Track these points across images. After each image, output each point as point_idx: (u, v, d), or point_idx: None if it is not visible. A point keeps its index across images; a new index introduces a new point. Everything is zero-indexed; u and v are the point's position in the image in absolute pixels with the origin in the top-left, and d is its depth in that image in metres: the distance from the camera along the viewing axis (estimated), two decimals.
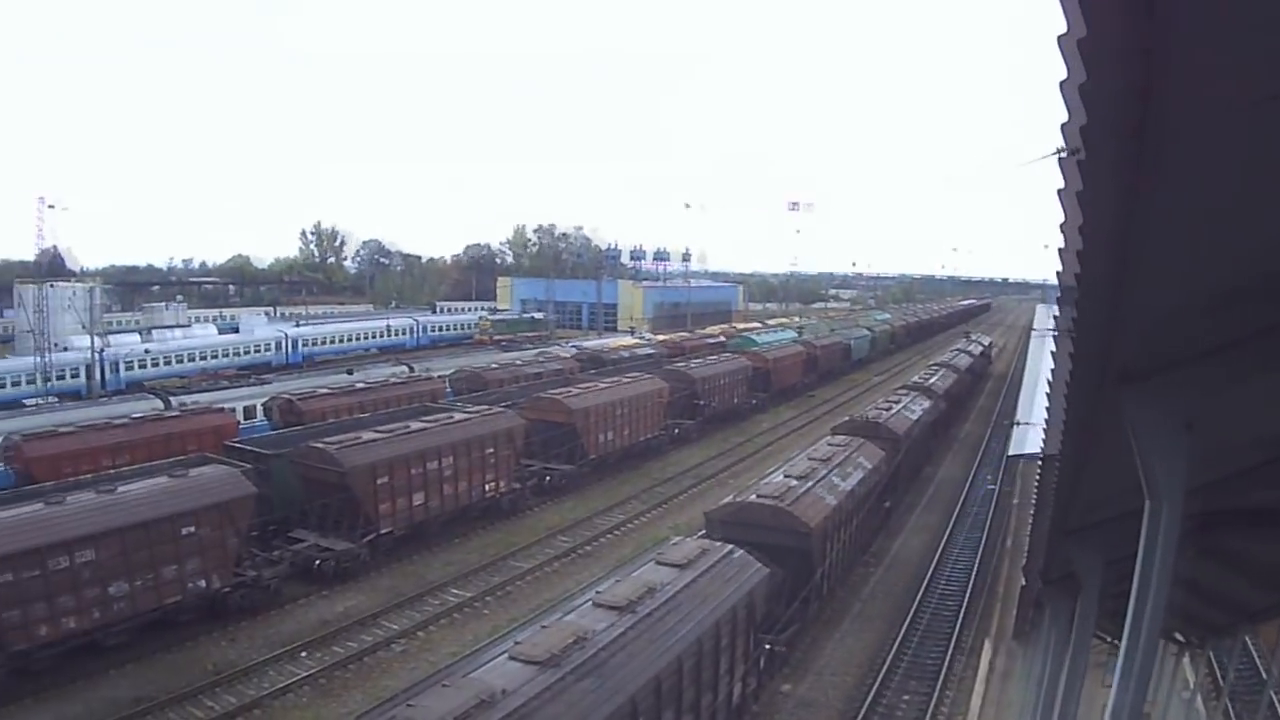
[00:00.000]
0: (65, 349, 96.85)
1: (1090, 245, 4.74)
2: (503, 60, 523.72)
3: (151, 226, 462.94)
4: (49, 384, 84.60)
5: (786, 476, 37.78)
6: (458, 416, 52.14)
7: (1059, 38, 3.53)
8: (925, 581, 42.01)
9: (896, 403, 58.16)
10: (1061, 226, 4.92)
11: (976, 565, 44.62)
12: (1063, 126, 4.07)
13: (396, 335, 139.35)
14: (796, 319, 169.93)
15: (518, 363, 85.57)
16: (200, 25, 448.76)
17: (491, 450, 50.65)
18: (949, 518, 52.28)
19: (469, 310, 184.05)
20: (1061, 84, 3.77)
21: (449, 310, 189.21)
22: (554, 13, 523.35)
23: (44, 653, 31.34)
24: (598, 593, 24.27)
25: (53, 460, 46.99)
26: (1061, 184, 4.50)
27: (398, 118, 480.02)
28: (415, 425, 48.91)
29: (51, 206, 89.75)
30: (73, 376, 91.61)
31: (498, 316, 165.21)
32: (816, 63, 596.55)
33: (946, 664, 35.02)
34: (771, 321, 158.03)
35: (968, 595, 40.73)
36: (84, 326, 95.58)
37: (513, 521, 51.35)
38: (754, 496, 34.87)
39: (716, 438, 73.95)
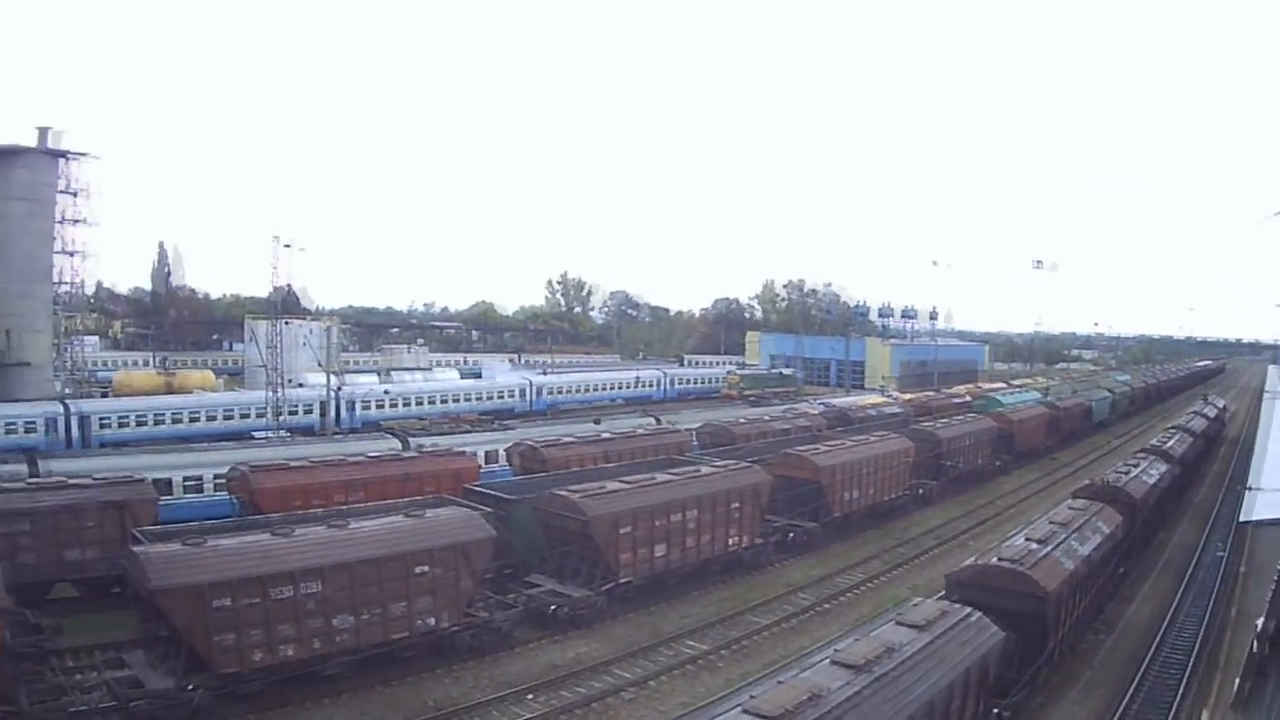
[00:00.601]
0: (299, 385, 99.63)
1: None
2: (747, 115, 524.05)
3: (393, 271, 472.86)
4: (281, 418, 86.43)
5: (1027, 540, 37.08)
6: (704, 470, 52.04)
7: None
8: (1151, 650, 41.36)
9: (1135, 466, 56.94)
10: None
11: (1201, 634, 43.70)
12: None
13: (643, 387, 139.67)
14: (1040, 379, 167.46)
15: (765, 418, 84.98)
16: (450, 75, 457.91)
17: (737, 505, 50.40)
18: (1179, 584, 51.31)
19: (717, 364, 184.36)
20: None
21: (697, 363, 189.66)
22: (798, 71, 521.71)
23: (257, 677, 32.04)
24: (836, 650, 24.26)
25: (280, 493, 47.82)
26: None
27: (646, 171, 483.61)
28: (661, 477, 48.94)
29: (288, 246, 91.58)
30: (306, 413, 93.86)
31: (746, 371, 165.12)
32: (1062, 119, 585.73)
33: None
34: (1016, 382, 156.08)
35: (1190, 664, 40.03)
36: (319, 364, 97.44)
37: (753, 576, 50.99)
38: (994, 559, 34.31)
39: (959, 499, 72.81)
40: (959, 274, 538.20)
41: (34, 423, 79.20)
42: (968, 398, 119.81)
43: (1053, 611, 33.03)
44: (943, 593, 33.38)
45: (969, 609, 28.44)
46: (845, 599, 48.48)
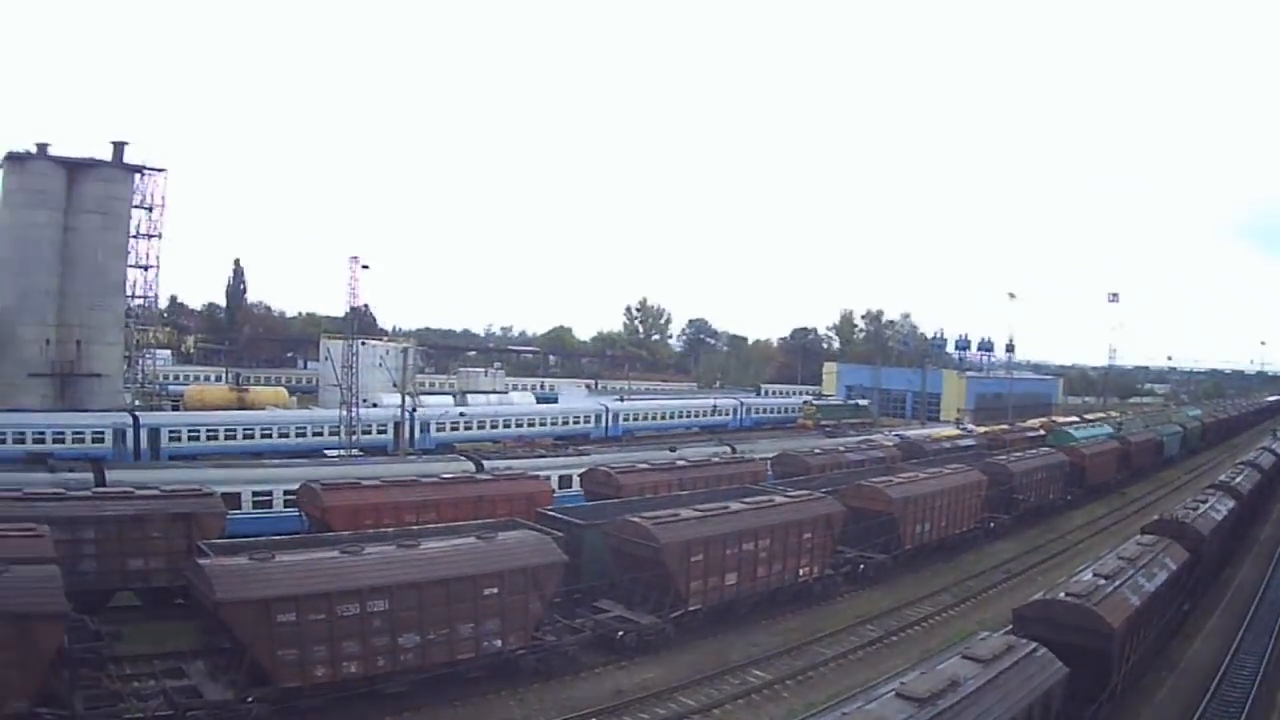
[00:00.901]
0: (373, 405, 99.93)
1: None
2: (829, 146, 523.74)
3: (470, 294, 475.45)
4: (353, 437, 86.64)
5: (1095, 575, 36.55)
6: (778, 500, 51.57)
7: None
8: (1211, 689, 40.68)
9: (1203, 502, 56.34)
10: None
11: (1261, 674, 43.06)
12: None
13: (719, 415, 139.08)
14: (1113, 414, 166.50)
15: (840, 449, 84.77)
16: (533, 100, 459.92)
17: (809, 535, 50.02)
18: (1241, 622, 50.53)
19: (793, 394, 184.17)
20: None
21: (773, 393, 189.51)
22: (880, 103, 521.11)
23: (317, 693, 32.05)
24: (901, 683, 24.02)
25: (351, 511, 47.75)
26: None
27: (727, 199, 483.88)
28: (734, 506, 48.48)
29: (366, 266, 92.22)
30: (379, 432, 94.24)
31: (822, 401, 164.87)
32: (1140, 156, 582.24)
33: None
34: (1089, 416, 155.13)
35: (1248, 704, 39.41)
36: (394, 384, 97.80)
37: (822, 607, 50.51)
38: (1062, 594, 33.81)
39: (1029, 533, 72.11)
40: (1034, 306, 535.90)
41: (102, 433, 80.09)
42: (1041, 431, 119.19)
43: (1117, 648, 32.65)
44: (1010, 627, 33.06)
45: (1034, 644, 28.06)
46: (913, 632, 48.03)
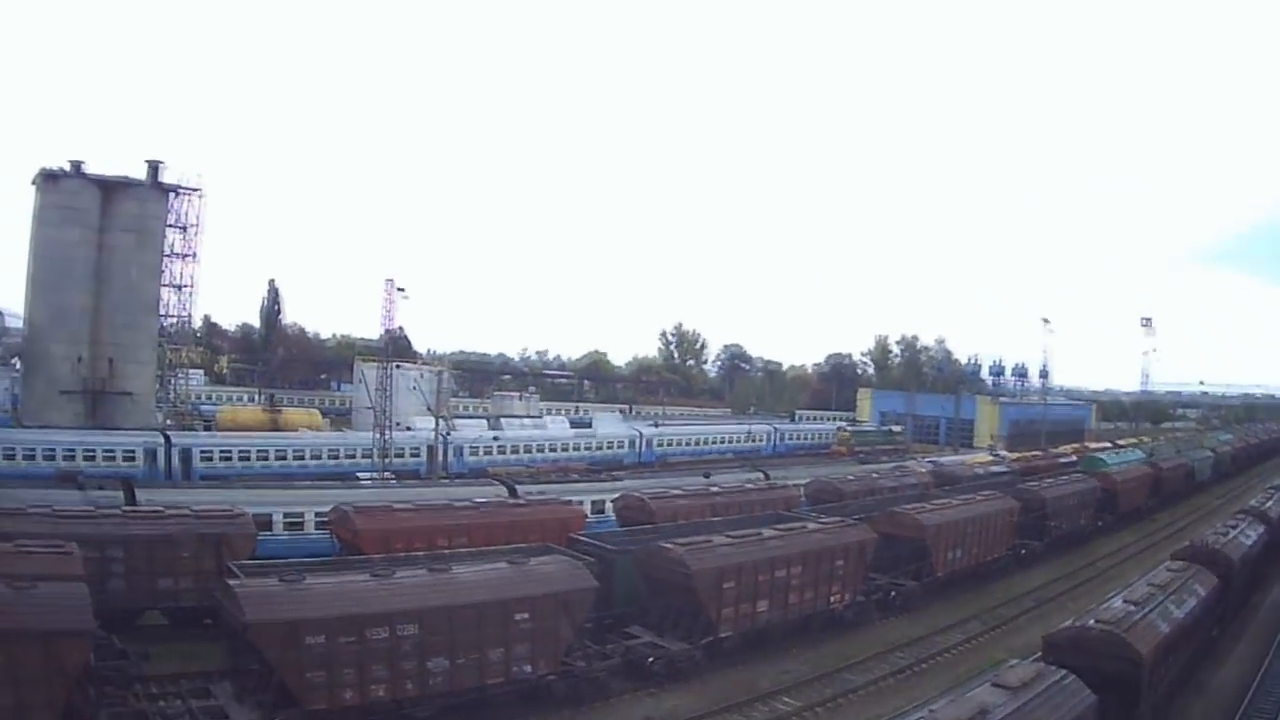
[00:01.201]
0: (407, 429, 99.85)
1: None
2: (864, 174, 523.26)
3: (506, 318, 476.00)
4: (387, 461, 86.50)
5: (1125, 602, 36.65)
6: (810, 527, 51.72)
7: None
8: (1240, 713, 40.34)
9: (1233, 527, 56.14)
10: None
11: None
12: None
13: (754, 442, 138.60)
14: (1145, 439, 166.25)
15: (873, 475, 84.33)
16: (567, 125, 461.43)
17: (841, 562, 49.97)
18: (1269, 647, 50.11)
19: (827, 420, 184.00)
20: None
21: (808, 419, 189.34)
22: (909, 130, 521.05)
23: (344, 716, 31.98)
24: (930, 711, 24.02)
25: (383, 535, 47.66)
26: None
27: (763, 224, 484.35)
28: (767, 533, 48.52)
29: (401, 290, 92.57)
30: (412, 456, 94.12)
31: (856, 428, 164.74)
32: (1174, 173, 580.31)
33: None
34: (1121, 442, 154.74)
35: None
36: (429, 408, 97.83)
37: (852, 634, 50.27)
38: (1091, 621, 33.91)
39: (1061, 559, 71.84)
40: (1068, 332, 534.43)
41: (133, 452, 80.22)
42: (1074, 457, 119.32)
43: (1147, 675, 32.59)
44: (1039, 654, 32.98)
45: (1064, 671, 28.04)
46: (943, 659, 47.76)
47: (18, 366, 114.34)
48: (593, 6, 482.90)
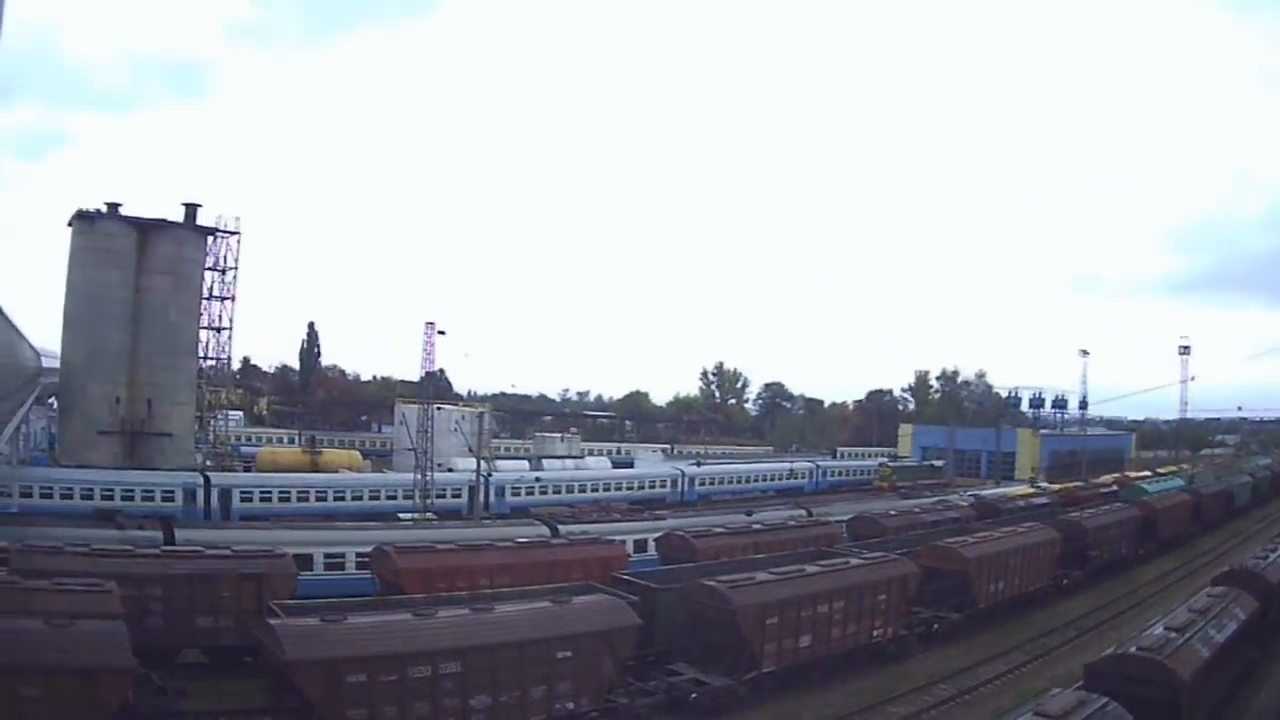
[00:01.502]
0: (449, 469, 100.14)
1: None
2: (902, 206, 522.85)
3: (546, 359, 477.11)
4: (428, 501, 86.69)
5: (1165, 628, 36.75)
6: (853, 562, 51.64)
7: None
8: None
9: (1272, 550, 56.09)
10: None
11: None
12: None
13: (795, 478, 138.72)
14: (1184, 466, 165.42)
15: (915, 510, 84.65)
16: (606, 165, 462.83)
17: (884, 597, 49.77)
18: None
19: (869, 456, 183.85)
20: None
21: (849, 455, 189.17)
22: (946, 161, 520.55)
23: None
24: None
25: (424, 574, 47.57)
26: None
27: (802, 261, 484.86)
28: (810, 569, 48.52)
29: (442, 332, 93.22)
30: (454, 496, 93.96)
31: (897, 463, 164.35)
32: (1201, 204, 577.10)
33: None
34: (1161, 470, 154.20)
35: None
36: (470, 449, 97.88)
37: (895, 667, 49.87)
38: (1133, 648, 34.06)
39: (1102, 587, 71.40)
40: (1106, 360, 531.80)
41: (172, 492, 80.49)
42: (1114, 486, 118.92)
43: (1187, 700, 32.52)
44: (1081, 682, 32.91)
45: (1105, 699, 27.96)
46: (985, 690, 47.48)
47: (54, 406, 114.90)
48: (630, 45, 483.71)
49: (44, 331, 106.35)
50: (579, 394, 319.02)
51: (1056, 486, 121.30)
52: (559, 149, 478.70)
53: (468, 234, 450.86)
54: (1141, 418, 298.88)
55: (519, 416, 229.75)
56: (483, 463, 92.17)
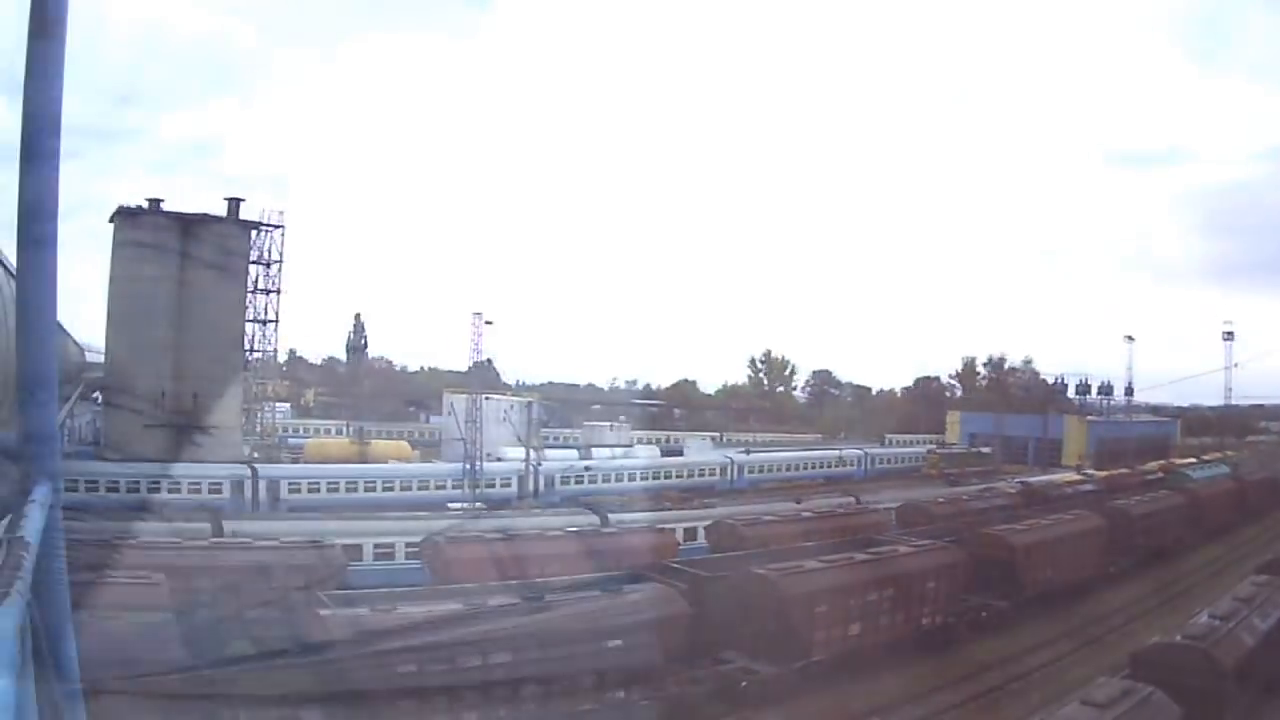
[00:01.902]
0: (498, 459, 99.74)
1: None
2: (949, 192, 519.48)
3: (596, 347, 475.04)
4: (477, 491, 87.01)
5: (1211, 617, 36.93)
6: (902, 549, 51.92)
7: None
8: None
9: None
10: None
11: None
12: None
13: (844, 466, 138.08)
14: (1230, 453, 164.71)
15: (963, 497, 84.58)
16: (659, 156, 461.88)
17: (932, 584, 49.95)
18: None
19: (917, 443, 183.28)
20: None
21: (897, 442, 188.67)
22: (994, 152, 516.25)
23: None
24: None
25: (475, 564, 47.75)
26: None
27: (852, 248, 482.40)
28: (859, 556, 48.72)
29: (489, 322, 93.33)
30: (503, 485, 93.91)
31: (945, 450, 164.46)
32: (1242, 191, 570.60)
33: None
34: (1206, 457, 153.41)
35: None
36: (519, 439, 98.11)
37: (942, 655, 49.66)
38: (1178, 637, 34.27)
39: (1148, 575, 70.75)
40: (1152, 346, 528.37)
41: (220, 484, 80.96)
42: (1160, 474, 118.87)
43: (1231, 689, 32.59)
44: (1127, 671, 32.97)
45: (1150, 688, 28.13)
46: (1032, 678, 47.34)
47: (99, 400, 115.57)
48: (675, 37, 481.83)
49: (88, 327, 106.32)
50: (627, 382, 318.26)
51: (1103, 474, 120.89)
52: (610, 139, 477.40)
53: (516, 224, 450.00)
54: (1187, 404, 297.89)
55: (568, 405, 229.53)
56: (532, 452, 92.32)
